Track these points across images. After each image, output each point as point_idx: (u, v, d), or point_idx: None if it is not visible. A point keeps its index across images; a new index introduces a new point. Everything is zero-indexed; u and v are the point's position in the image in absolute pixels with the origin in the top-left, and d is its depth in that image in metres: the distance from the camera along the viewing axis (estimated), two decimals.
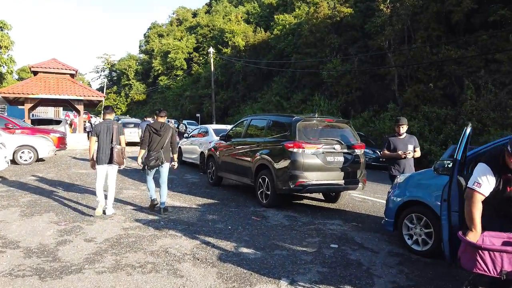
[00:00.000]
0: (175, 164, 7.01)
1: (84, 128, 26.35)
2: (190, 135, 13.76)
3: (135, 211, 6.80)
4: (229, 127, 13.29)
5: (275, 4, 60.56)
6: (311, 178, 6.35)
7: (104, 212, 6.34)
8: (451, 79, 21.75)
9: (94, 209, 6.50)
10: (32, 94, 19.39)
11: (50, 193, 8.11)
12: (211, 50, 39.60)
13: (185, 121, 37.51)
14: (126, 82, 74.95)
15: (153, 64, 68.97)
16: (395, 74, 24.08)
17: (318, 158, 6.42)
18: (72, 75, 22.21)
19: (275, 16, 52.16)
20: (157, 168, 6.67)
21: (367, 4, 32.68)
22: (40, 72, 21.10)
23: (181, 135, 26.64)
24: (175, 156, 7.01)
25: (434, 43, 23.05)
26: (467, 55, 20.52)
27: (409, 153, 6.17)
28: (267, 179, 6.91)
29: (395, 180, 5.48)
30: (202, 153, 12.01)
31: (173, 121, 26.50)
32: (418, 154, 6.37)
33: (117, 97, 73.19)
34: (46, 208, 6.72)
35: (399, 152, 6.14)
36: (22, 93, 19.42)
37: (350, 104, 27.70)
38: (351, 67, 28.99)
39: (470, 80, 19.75)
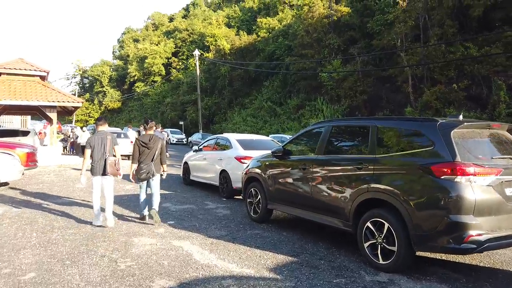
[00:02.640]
0: (164, 175, 7.04)
1: (65, 140, 22.72)
2: (200, 147, 10.82)
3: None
4: (257, 137, 10.47)
5: (256, 8, 58.47)
6: (489, 227, 3.69)
7: (105, 225, 6.18)
8: (473, 79, 19.77)
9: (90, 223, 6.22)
10: None
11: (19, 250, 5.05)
12: (197, 52, 36.59)
13: (167, 130, 34.28)
14: (100, 89, 70.42)
15: (128, 70, 65.02)
16: (409, 75, 21.91)
17: (495, 191, 3.75)
18: (43, 78, 18.77)
19: (258, 20, 49.96)
20: (148, 180, 6.61)
21: (363, 4, 30.75)
22: (4, 73, 17.56)
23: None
24: (165, 166, 6.99)
25: (451, 40, 21.05)
26: (492, 53, 18.53)
27: None
28: (388, 225, 4.18)
29: None
30: (223, 171, 9.11)
31: (130, 129, 21.25)
32: None
33: (90, 105, 68.50)
34: None
35: None
36: None
37: (355, 109, 25.39)
38: (354, 68, 26.75)
39: (501, 80, 17.72)
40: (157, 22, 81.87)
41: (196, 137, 33.01)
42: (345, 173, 4.83)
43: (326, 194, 5.06)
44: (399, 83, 22.99)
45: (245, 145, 9.13)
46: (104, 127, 6.50)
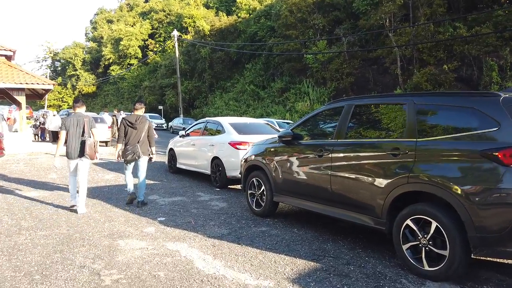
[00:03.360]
0: (153, 157, 6.86)
1: (36, 126, 21.05)
2: (187, 132, 9.85)
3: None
4: (251, 120, 9.57)
5: None
6: None
7: (75, 211, 5.97)
8: (463, 60, 19.35)
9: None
10: None
11: None
12: (175, 33, 34.97)
13: (145, 114, 32.93)
14: (73, 72, 67.23)
15: (103, 53, 62.20)
16: (397, 56, 21.32)
17: None
18: (9, 58, 17.18)
19: (237, 0, 48.40)
20: (135, 161, 6.53)
21: None
22: None
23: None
24: (153, 149, 6.81)
25: (441, 19, 20.52)
26: (483, 33, 18.07)
27: None
28: (436, 224, 3.42)
29: None
30: (216, 158, 8.22)
31: (106, 114, 19.84)
32: None
33: (63, 89, 65.47)
34: None
35: None
36: None
37: (342, 91, 24.71)
38: (340, 50, 25.99)
39: (493, 61, 17.33)
40: (132, 2, 78.57)
41: (177, 122, 31.79)
42: (375, 161, 4.03)
43: (351, 186, 4.27)
44: (387, 65, 22.41)
45: (239, 129, 8.24)
46: (82, 109, 6.31)
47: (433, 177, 3.46)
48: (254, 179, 5.90)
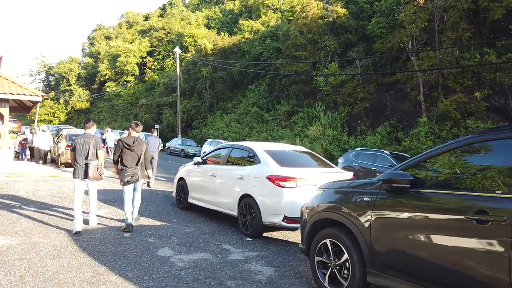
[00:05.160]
0: (151, 181, 7.29)
1: (22, 144, 18.51)
2: (203, 158, 7.84)
3: None
4: (290, 147, 7.50)
5: (237, 11, 56.07)
6: None
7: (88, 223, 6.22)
8: (493, 88, 17.81)
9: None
10: None
11: None
12: (177, 50, 33.37)
13: (142, 133, 30.98)
14: (66, 87, 65.15)
15: (99, 68, 60.50)
16: (420, 82, 19.75)
17: None
18: None
19: (240, 22, 47.52)
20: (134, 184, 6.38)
21: (360, 6, 28.74)
22: None
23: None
24: (149, 172, 6.79)
25: (468, 44, 19.12)
26: None
27: None
28: None
29: None
30: (246, 196, 6.21)
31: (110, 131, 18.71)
32: None
33: (55, 104, 63.25)
34: None
35: None
36: None
37: (355, 117, 23.03)
38: (354, 72, 24.48)
39: None
40: (131, 20, 77.85)
41: (175, 142, 29.77)
42: None
43: None
44: (408, 90, 20.82)
45: (280, 159, 6.26)
46: (91, 130, 6.25)
47: None
48: (327, 241, 3.89)
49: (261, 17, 46.33)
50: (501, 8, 17.94)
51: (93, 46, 71.53)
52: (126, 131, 24.10)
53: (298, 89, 28.38)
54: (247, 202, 6.24)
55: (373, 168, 13.01)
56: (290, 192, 5.65)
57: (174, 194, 8.67)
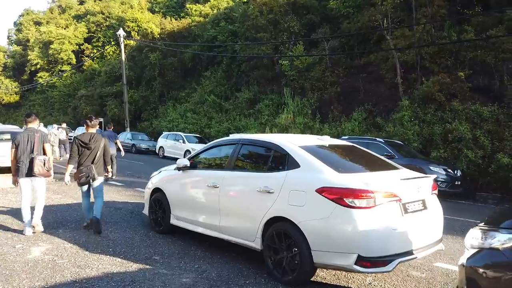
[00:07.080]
0: (109, 174, 6.38)
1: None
2: (191, 158, 5.33)
3: None
4: (330, 140, 5.22)
5: None
6: None
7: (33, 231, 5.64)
8: (474, 68, 16.82)
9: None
10: None
11: None
12: (121, 32, 29.67)
13: (80, 127, 27.18)
14: None
15: (29, 57, 53.98)
16: (397, 63, 18.36)
17: None
18: None
19: (187, 6, 44.07)
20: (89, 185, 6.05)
21: None
22: None
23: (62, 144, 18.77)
24: (109, 167, 6.27)
25: (444, 20, 18.03)
26: (497, 35, 15.71)
27: None
28: None
29: None
30: (280, 220, 3.91)
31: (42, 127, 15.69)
32: None
33: None
34: None
35: None
36: None
37: (327, 103, 21.32)
38: (323, 53, 22.75)
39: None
40: (64, 4, 70.66)
41: (124, 137, 26.30)
42: None
43: None
44: (383, 72, 19.41)
45: (331, 160, 4.02)
46: (34, 124, 5.91)
47: None
48: None
49: (209, 1, 43.28)
50: None
51: (21, 33, 64.09)
52: (55, 125, 20.64)
53: (260, 75, 26.19)
54: (281, 230, 3.93)
55: None
56: (366, 215, 3.43)
57: (146, 211, 6.12)
